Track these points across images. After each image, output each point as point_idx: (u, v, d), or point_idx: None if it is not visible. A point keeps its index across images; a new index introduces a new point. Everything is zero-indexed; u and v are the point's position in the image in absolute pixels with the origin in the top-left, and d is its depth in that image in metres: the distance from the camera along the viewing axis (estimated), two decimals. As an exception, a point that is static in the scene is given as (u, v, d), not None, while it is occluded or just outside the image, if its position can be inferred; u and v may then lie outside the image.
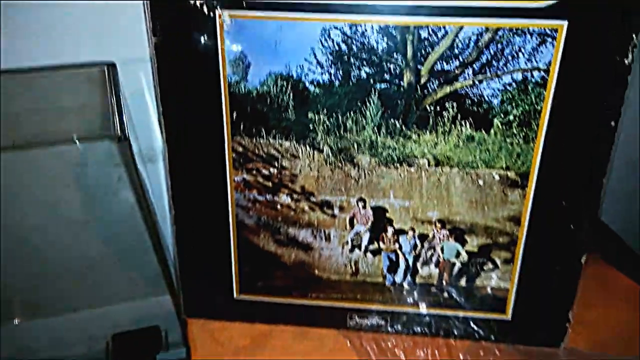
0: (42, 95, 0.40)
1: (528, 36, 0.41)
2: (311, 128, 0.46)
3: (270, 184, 0.49)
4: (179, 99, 0.45)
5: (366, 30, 0.42)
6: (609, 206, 0.50)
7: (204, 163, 0.48)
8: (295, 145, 0.47)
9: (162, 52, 0.43)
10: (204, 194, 0.50)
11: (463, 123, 0.44)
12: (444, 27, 0.41)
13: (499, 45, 0.41)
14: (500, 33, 0.41)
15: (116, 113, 0.40)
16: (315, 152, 0.47)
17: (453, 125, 0.45)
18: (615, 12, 0.39)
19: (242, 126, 0.46)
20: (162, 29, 0.42)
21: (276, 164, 0.48)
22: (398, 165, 0.47)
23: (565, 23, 0.40)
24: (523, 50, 0.41)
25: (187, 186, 0.49)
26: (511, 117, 0.44)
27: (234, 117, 0.46)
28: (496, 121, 0.44)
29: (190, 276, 0.53)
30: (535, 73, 0.42)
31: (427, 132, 0.45)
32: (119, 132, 0.40)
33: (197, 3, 0.42)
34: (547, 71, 0.42)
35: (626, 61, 0.40)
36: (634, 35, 0.39)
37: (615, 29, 0.39)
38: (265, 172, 0.48)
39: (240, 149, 0.47)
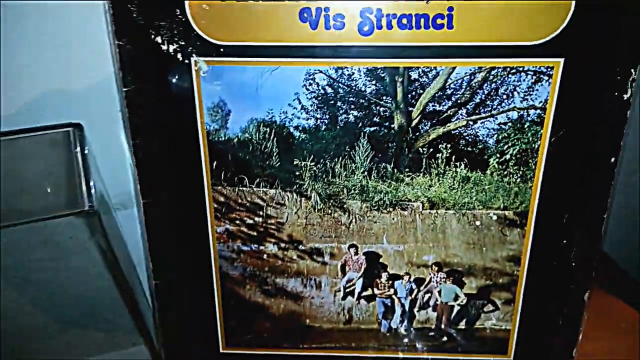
0: (2, 165, 0.37)
1: (523, 75, 0.39)
2: (297, 175, 0.43)
3: (255, 233, 0.46)
4: (154, 150, 0.42)
5: (353, 73, 0.39)
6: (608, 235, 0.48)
7: (183, 215, 0.45)
8: (281, 193, 0.44)
9: (134, 102, 0.40)
10: (184, 247, 0.46)
11: (458, 164, 0.42)
12: (435, 68, 0.39)
13: (493, 85, 0.39)
14: (494, 72, 0.39)
15: (83, 182, 0.37)
16: (303, 199, 0.44)
17: (447, 167, 0.43)
18: (613, 46, 0.37)
19: (223, 175, 0.43)
20: (134, 78, 0.39)
21: (261, 213, 0.45)
22: (391, 209, 0.44)
23: (561, 60, 0.38)
24: (518, 89, 0.39)
25: (165, 239, 0.46)
26: (507, 157, 0.42)
27: (214, 166, 0.43)
28: (492, 161, 0.42)
29: (172, 331, 0.50)
30: (532, 111, 0.40)
31: (421, 174, 0.43)
32: (86, 205, 0.37)
33: (171, 50, 0.38)
34: (543, 109, 0.40)
35: (625, 96, 0.39)
36: (632, 70, 0.38)
37: (613, 64, 0.38)
38: (249, 221, 0.45)
39: (222, 199, 0.44)
